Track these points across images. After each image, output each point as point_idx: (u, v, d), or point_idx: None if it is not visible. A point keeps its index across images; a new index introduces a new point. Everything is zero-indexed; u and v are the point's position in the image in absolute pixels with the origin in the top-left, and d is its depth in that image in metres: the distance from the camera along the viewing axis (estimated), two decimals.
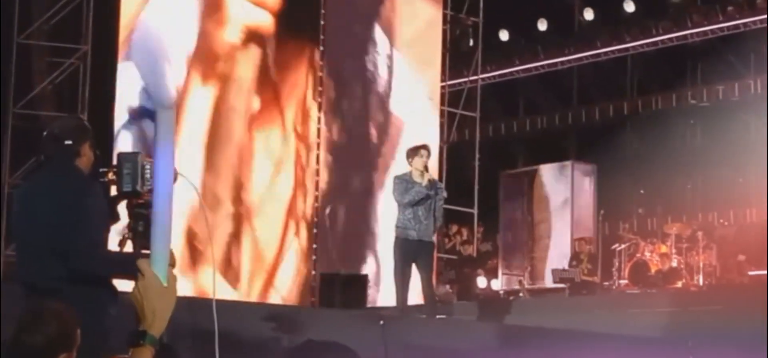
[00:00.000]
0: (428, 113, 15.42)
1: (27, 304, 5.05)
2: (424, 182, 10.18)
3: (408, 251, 10.21)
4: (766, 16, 17.13)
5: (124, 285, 4.89)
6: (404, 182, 10.27)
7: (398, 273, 10.30)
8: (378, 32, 15.00)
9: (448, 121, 15.93)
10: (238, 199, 13.89)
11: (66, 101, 14.00)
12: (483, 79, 17.34)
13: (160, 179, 2.58)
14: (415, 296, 10.74)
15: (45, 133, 5.48)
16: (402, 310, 10.25)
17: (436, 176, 10.73)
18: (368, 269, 14.14)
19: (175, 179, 5.48)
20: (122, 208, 5.42)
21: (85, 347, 3.96)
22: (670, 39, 18.54)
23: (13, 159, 13.47)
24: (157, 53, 2.53)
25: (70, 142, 5.34)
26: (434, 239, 10.67)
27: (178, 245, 13.15)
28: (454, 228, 17.34)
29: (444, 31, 15.88)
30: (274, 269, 14.00)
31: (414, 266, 10.33)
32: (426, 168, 10.31)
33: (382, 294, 13.67)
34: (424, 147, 10.56)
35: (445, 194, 10.59)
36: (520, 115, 21.27)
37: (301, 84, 14.41)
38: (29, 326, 4.05)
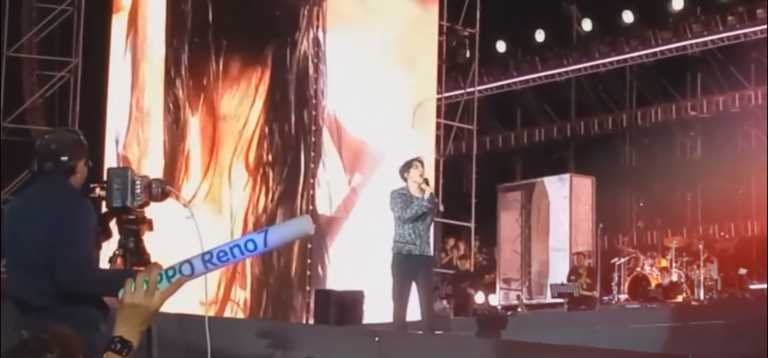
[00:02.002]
0: None
1: (20, 322, 5.01)
2: (427, 196, 9.91)
3: (408, 268, 9.86)
4: (766, 27, 17.02)
5: (114, 302, 4.78)
6: (403, 197, 10.00)
7: (397, 291, 9.95)
8: None
9: (444, 133, 15.79)
10: None
11: (56, 115, 13.88)
12: (480, 91, 17.24)
13: (244, 246, 2.56)
14: (412, 312, 10.51)
15: (39, 144, 5.36)
16: (400, 329, 9.99)
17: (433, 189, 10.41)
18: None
19: (165, 196, 5.32)
20: (113, 224, 5.31)
21: None
22: (670, 50, 18.48)
23: (3, 174, 13.32)
24: None
25: (66, 158, 5.20)
26: (433, 252, 10.41)
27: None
28: (451, 242, 17.19)
29: (440, 43, 15.74)
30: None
31: (413, 283, 10.00)
32: (426, 181, 10.04)
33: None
34: (418, 159, 10.27)
35: (440, 208, 10.37)
36: (517, 127, 21.20)
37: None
38: (34, 351, 3.86)
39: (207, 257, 2.59)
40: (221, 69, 14.03)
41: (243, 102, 14.11)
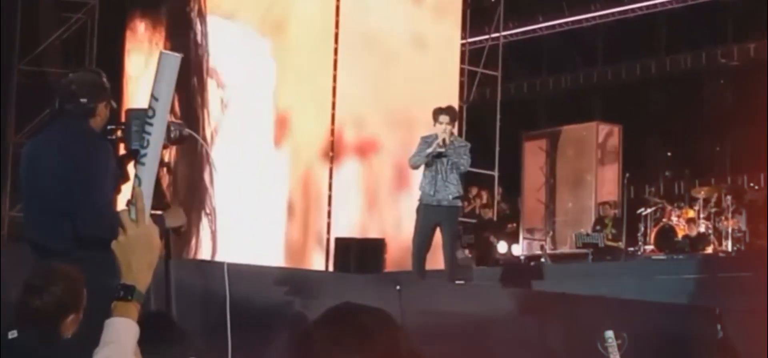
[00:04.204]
0: None
1: (35, 265, 4.98)
2: (432, 147, 9.90)
3: (427, 217, 9.97)
4: None
5: None
6: (426, 142, 10.02)
7: (415, 239, 10.08)
8: None
9: (468, 80, 15.64)
10: None
11: (73, 57, 13.72)
12: (505, 36, 16.99)
13: (157, 126, 2.48)
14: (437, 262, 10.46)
15: (60, 83, 5.37)
16: (418, 277, 9.98)
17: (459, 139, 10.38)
18: None
19: (183, 139, 5.18)
20: (131, 167, 5.22)
21: (94, 309, 3.94)
22: None
23: (19, 116, 13.22)
24: None
25: (85, 100, 5.18)
26: (458, 202, 10.20)
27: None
28: (474, 191, 17.00)
29: None
30: None
31: (438, 231, 10.07)
32: (444, 141, 9.95)
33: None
34: (447, 112, 10.11)
35: (464, 158, 10.09)
36: (543, 74, 21.02)
37: None
38: (37, 289, 4.11)
39: (140, 157, 2.50)
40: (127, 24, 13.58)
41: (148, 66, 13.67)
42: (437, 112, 10.07)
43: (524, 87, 20.92)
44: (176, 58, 2.48)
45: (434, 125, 10.01)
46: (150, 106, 2.46)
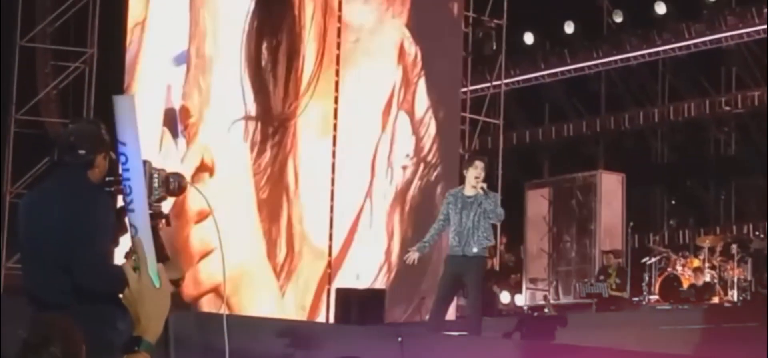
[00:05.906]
0: None
1: (32, 319, 4.80)
2: (472, 193, 9.38)
3: (450, 268, 9.55)
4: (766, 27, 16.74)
5: None
6: (453, 196, 9.55)
7: (438, 289, 9.86)
8: None
9: (470, 128, 15.54)
10: None
11: (71, 106, 13.63)
12: (507, 84, 16.95)
13: (133, 170, 2.50)
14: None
15: (59, 134, 5.41)
16: (432, 326, 9.71)
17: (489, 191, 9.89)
18: None
19: (182, 191, 5.05)
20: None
21: None
22: (704, 42, 18.19)
23: (16, 167, 13.08)
24: None
25: (84, 151, 5.12)
26: (485, 252, 9.69)
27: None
28: None
29: (466, 34, 15.48)
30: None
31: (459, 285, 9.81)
32: (482, 187, 9.40)
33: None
34: (479, 158, 9.73)
35: (490, 206, 9.61)
36: (545, 122, 20.97)
37: None
38: (35, 349, 4.05)
39: (127, 206, 2.50)
40: None
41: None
42: (471, 157, 9.85)
43: (526, 135, 20.87)
44: (129, 98, 2.48)
45: (466, 171, 9.52)
46: (120, 154, 2.47)
